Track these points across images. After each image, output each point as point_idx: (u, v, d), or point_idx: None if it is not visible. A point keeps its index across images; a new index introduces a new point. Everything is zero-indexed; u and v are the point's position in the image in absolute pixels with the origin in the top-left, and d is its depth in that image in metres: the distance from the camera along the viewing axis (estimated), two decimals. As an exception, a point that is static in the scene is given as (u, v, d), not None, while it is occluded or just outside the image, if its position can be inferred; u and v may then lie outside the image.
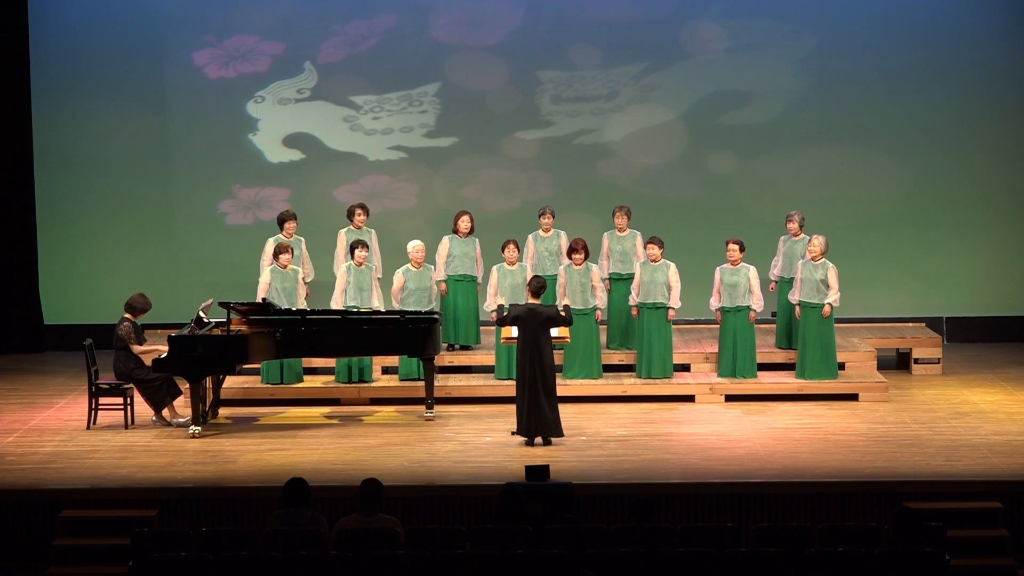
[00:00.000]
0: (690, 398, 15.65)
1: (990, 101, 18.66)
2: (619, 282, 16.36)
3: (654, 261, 15.82)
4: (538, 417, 13.97)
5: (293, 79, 18.72)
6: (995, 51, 18.58)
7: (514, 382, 14.41)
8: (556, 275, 15.94)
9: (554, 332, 14.24)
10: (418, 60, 18.68)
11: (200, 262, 18.82)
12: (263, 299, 15.29)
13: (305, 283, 16.13)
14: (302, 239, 16.53)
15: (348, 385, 15.78)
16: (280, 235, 16.36)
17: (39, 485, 12.89)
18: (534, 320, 14.01)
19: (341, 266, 16.06)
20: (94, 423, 14.74)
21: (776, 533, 10.66)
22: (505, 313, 14.39)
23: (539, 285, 14.28)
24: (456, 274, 16.37)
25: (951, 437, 14.15)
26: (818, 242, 15.72)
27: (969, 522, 12.30)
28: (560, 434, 14.05)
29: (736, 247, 15.82)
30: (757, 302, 15.78)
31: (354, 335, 14.94)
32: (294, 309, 15.16)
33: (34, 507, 12.64)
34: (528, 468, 12.24)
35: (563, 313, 14.30)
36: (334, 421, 15.12)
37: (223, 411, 15.32)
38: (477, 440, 14.21)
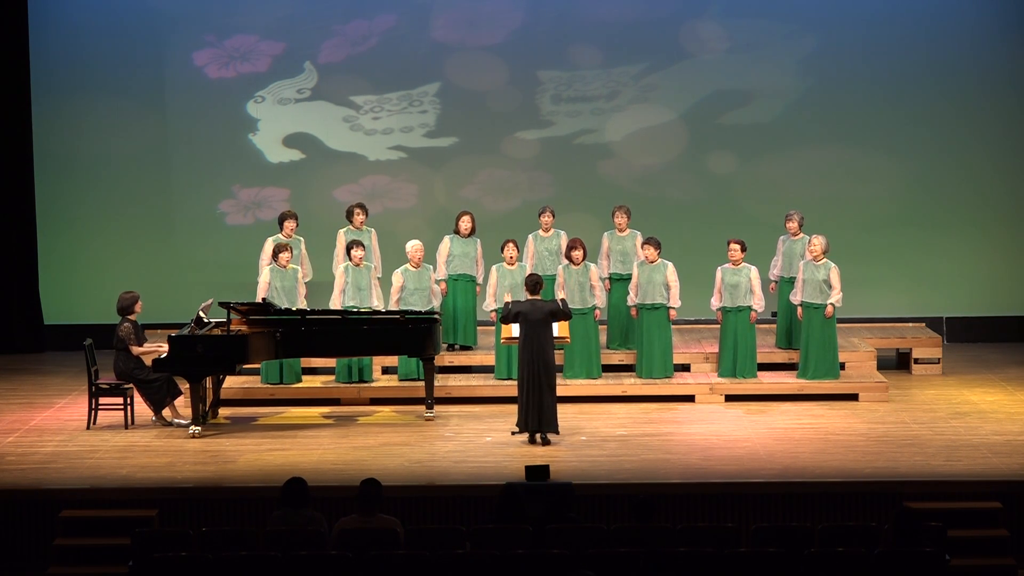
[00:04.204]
0: (690, 398, 15.65)
1: (990, 101, 18.66)
2: (619, 282, 16.36)
3: (651, 262, 15.82)
4: (540, 412, 13.99)
5: (293, 79, 18.73)
6: (995, 51, 18.59)
7: (514, 382, 14.42)
8: (556, 275, 15.94)
9: (555, 332, 14.25)
10: (418, 60, 18.68)
11: (200, 262, 18.82)
12: (263, 299, 15.30)
13: (303, 283, 16.13)
14: (301, 239, 16.53)
15: (348, 385, 15.78)
16: (280, 235, 16.37)
17: (39, 485, 12.89)
18: (536, 314, 14.02)
19: (339, 266, 16.06)
20: (94, 423, 14.74)
21: (776, 533, 10.66)
22: (508, 311, 14.40)
23: (535, 281, 14.28)
24: (455, 273, 16.38)
25: (951, 437, 14.15)
26: (818, 242, 15.71)
27: (969, 522, 12.29)
28: (556, 430, 14.06)
29: (737, 247, 15.81)
30: (758, 302, 15.78)
31: (354, 335, 14.94)
32: (294, 309, 15.17)
33: (34, 507, 12.64)
34: (528, 468, 12.23)
35: (562, 306, 14.32)
36: (333, 421, 15.12)
37: (223, 411, 15.32)
38: (477, 440, 14.21)
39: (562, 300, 14.57)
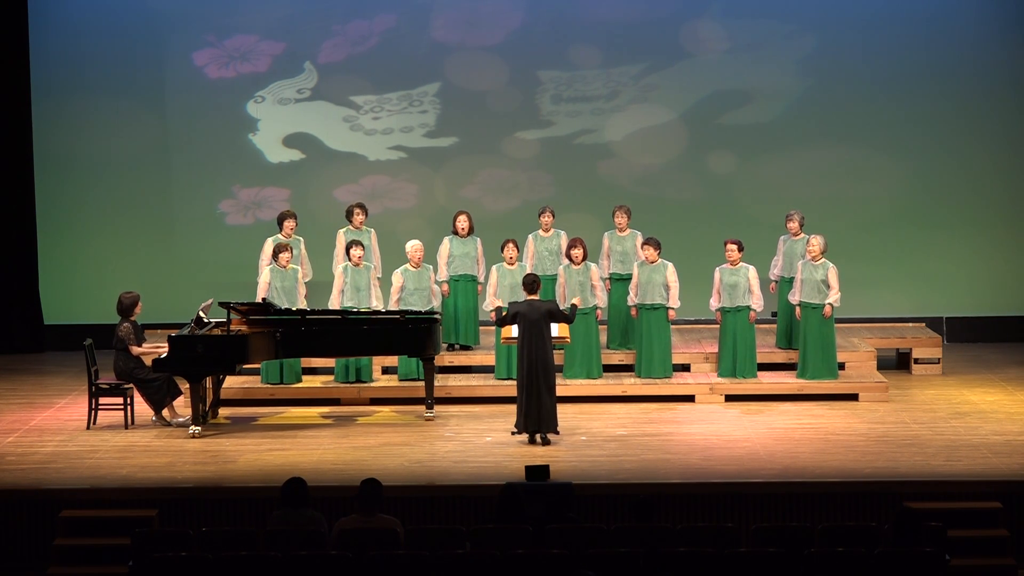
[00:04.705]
0: (690, 398, 15.65)
1: (990, 101, 18.66)
2: (619, 282, 16.36)
3: (651, 262, 15.82)
4: (539, 413, 13.98)
5: (293, 79, 18.73)
6: (995, 51, 18.58)
7: (514, 382, 14.42)
8: (556, 275, 15.94)
9: (555, 332, 14.25)
10: (418, 60, 18.68)
11: (200, 262, 18.82)
12: (263, 299, 15.30)
13: (303, 283, 16.12)
14: (301, 239, 16.53)
15: (348, 385, 15.78)
16: (279, 235, 16.37)
17: (39, 485, 12.89)
18: (534, 314, 14.02)
19: (338, 267, 16.07)
20: (94, 423, 14.74)
21: (776, 533, 10.66)
22: (504, 313, 14.42)
23: (531, 280, 14.28)
24: (456, 274, 16.39)
25: (951, 437, 14.15)
26: (817, 242, 15.71)
27: (969, 522, 12.29)
28: (556, 430, 14.06)
29: (734, 247, 15.82)
30: (757, 302, 15.78)
31: (354, 335, 14.94)
32: (294, 309, 15.17)
33: (34, 507, 12.64)
34: (528, 468, 12.24)
35: (566, 311, 14.32)
36: (333, 421, 15.12)
37: (223, 411, 15.32)
38: (477, 440, 14.21)
39: (572, 307, 14.59)
